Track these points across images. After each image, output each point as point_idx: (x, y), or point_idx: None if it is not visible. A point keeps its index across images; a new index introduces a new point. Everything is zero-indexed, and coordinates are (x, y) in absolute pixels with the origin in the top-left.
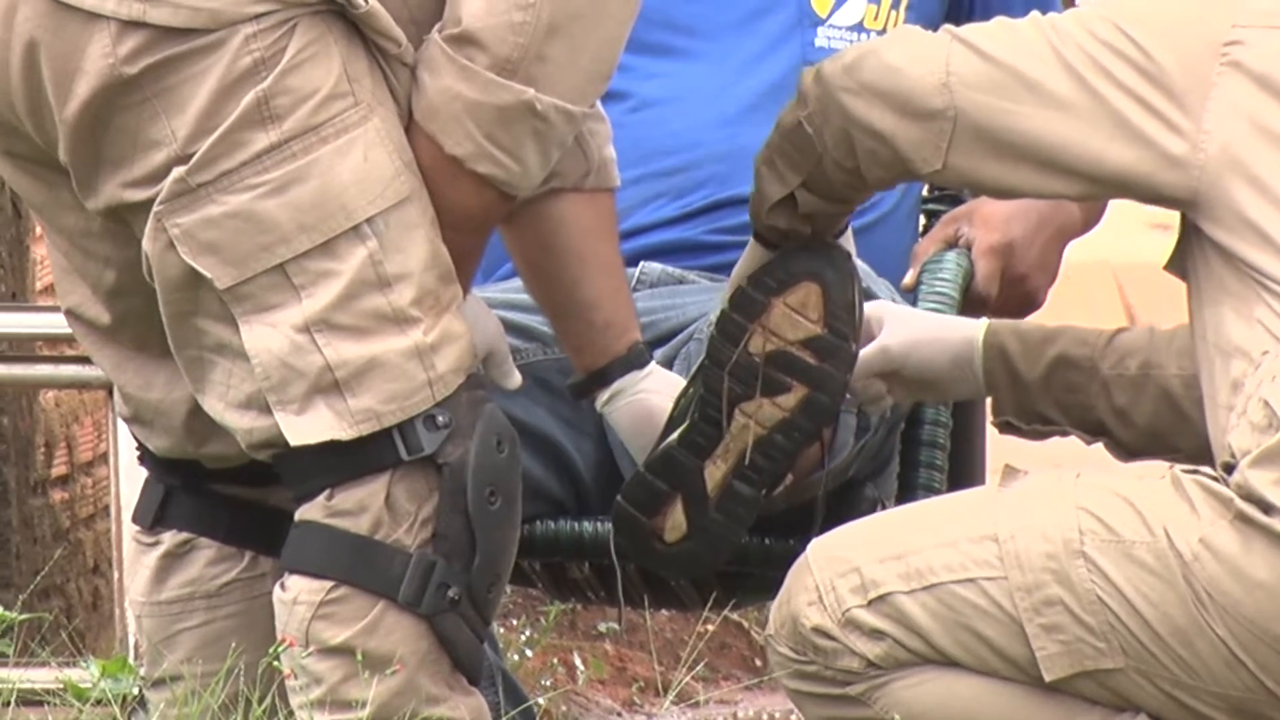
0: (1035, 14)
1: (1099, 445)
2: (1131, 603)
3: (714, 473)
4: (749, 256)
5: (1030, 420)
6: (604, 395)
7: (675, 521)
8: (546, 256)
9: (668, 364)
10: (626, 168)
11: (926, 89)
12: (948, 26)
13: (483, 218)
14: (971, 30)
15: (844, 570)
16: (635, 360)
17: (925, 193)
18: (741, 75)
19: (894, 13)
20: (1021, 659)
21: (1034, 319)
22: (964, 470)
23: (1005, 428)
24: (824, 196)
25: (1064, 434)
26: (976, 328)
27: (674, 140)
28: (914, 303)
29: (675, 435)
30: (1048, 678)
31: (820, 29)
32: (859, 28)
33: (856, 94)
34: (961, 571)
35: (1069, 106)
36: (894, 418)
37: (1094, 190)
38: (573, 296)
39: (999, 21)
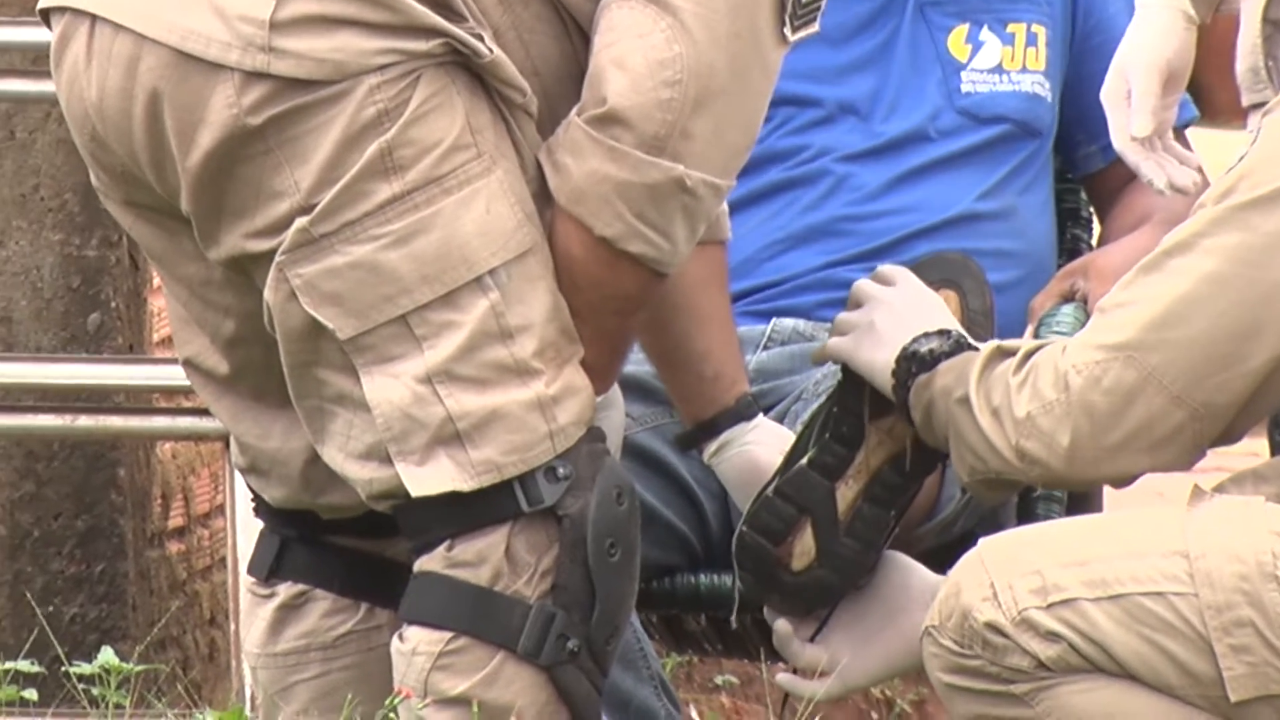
0: (1162, 257)
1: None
2: None
3: (845, 494)
4: None
5: None
6: (712, 446)
7: (804, 547)
8: (657, 308)
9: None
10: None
11: (1163, 414)
12: (1116, 337)
13: (638, 299)
14: (1137, 324)
15: (1024, 571)
16: (743, 412)
17: None
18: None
19: (1030, 49)
20: (1205, 677)
21: None
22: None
23: None
24: None
25: None
26: None
27: None
28: None
29: (805, 458)
30: (1233, 698)
31: (964, 73)
32: (998, 69)
33: (1106, 459)
34: (1150, 584)
35: (1266, 323)
36: None
37: None
38: (682, 348)
39: (1135, 286)
